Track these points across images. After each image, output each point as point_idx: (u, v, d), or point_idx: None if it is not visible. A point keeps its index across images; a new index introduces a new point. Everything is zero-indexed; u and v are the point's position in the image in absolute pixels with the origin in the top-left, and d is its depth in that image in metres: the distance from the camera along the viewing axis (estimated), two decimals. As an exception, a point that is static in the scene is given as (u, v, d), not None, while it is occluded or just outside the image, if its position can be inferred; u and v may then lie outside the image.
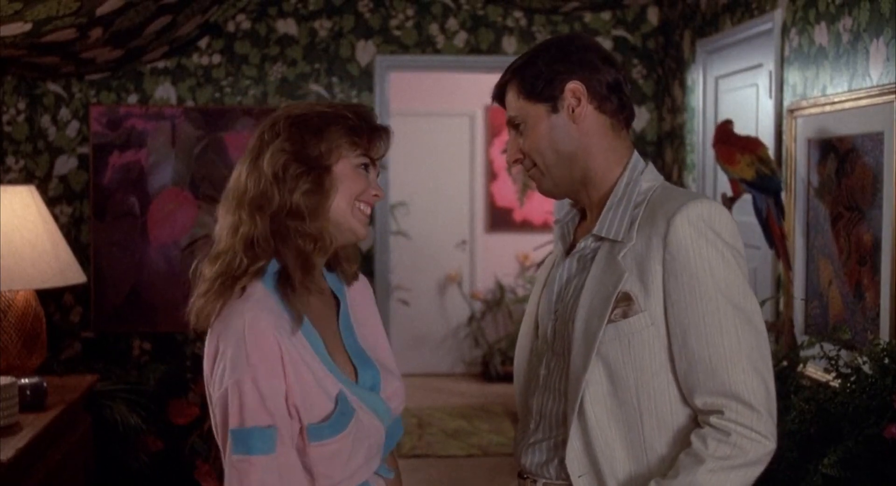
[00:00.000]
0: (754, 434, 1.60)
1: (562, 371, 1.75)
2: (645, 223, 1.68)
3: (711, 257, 1.63)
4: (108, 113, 4.92)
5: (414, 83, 7.43)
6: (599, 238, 1.74)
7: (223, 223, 1.73)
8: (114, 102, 4.94)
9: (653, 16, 5.23)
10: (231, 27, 5.01)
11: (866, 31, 2.98)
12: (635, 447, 1.67)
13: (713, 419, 1.61)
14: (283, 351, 1.63)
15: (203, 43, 5.00)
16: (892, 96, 2.81)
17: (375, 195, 1.76)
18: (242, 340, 1.61)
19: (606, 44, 5.15)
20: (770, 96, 3.73)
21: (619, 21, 5.22)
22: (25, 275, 3.21)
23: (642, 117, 5.21)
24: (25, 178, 4.86)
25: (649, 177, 1.76)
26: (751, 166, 3.36)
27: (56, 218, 4.78)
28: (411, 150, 7.67)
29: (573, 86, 1.73)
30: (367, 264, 5.09)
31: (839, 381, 2.63)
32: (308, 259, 1.70)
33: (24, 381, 3.11)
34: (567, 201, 1.88)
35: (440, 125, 7.79)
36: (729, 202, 3.56)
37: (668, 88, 5.08)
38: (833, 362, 2.68)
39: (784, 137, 3.57)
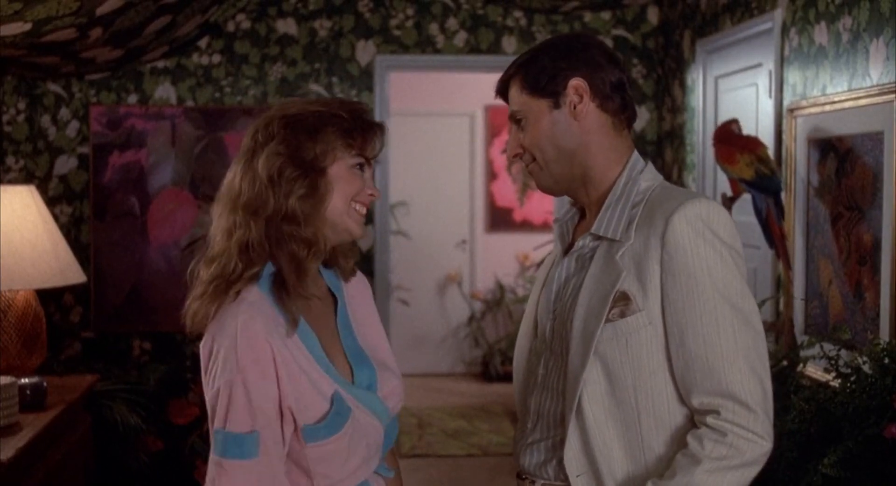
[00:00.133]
0: (751, 435, 1.59)
1: (560, 371, 1.75)
2: (643, 223, 1.68)
3: (709, 257, 1.62)
4: (108, 113, 4.92)
5: (414, 83, 7.43)
6: (598, 237, 1.74)
7: (218, 225, 1.72)
8: (114, 102, 4.94)
9: (653, 16, 5.23)
10: (231, 27, 5.01)
11: (866, 31, 2.98)
12: (633, 446, 1.67)
13: (710, 420, 1.61)
14: (276, 354, 1.63)
15: (203, 43, 5.00)
16: (892, 96, 2.81)
17: (371, 195, 1.76)
18: (234, 342, 1.62)
19: (606, 43, 5.14)
20: (770, 96, 3.73)
21: (619, 21, 5.22)
22: (25, 275, 3.21)
23: (642, 117, 5.21)
24: (25, 178, 4.86)
25: (648, 176, 1.76)
26: (750, 166, 3.36)
27: (56, 218, 4.78)
28: (411, 150, 7.67)
29: (576, 83, 1.74)
30: (367, 264, 5.09)
31: (839, 381, 2.63)
32: (302, 264, 1.69)
33: (24, 381, 3.11)
34: (567, 201, 1.88)
35: (440, 125, 7.79)
36: (729, 202, 3.56)
37: (668, 88, 5.08)
38: (833, 362, 2.68)
39: (784, 136, 3.57)
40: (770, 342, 3.47)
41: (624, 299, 1.65)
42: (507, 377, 7.08)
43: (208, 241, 1.73)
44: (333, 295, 1.83)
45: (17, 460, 2.66)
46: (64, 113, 4.91)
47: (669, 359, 1.65)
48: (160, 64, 4.97)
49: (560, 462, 1.71)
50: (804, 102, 3.38)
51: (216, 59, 5.01)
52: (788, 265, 3.40)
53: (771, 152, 3.56)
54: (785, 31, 3.58)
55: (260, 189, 1.68)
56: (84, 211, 4.93)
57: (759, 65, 3.87)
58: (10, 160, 4.87)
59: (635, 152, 1.79)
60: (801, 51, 3.45)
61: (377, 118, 5.01)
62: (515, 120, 1.79)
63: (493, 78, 1.86)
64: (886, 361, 2.49)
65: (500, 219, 7.85)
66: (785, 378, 2.97)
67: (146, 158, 4.93)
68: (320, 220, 1.71)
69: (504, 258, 7.81)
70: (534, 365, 1.84)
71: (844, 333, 2.97)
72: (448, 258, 7.82)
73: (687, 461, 1.60)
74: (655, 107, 5.24)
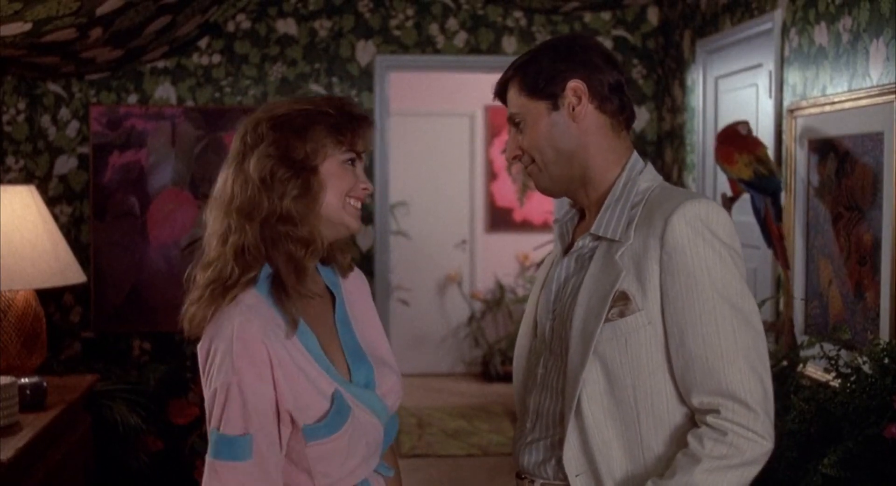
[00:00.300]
0: (751, 434, 1.60)
1: (559, 370, 1.75)
2: (642, 223, 1.68)
3: (708, 257, 1.63)
4: (108, 113, 4.92)
5: (414, 83, 7.43)
6: (597, 237, 1.74)
7: (212, 230, 1.72)
8: (114, 102, 4.94)
9: (653, 16, 5.23)
10: (231, 27, 5.02)
11: (866, 32, 2.98)
12: (632, 446, 1.67)
13: (710, 419, 1.61)
14: (272, 356, 1.63)
15: (203, 43, 5.00)
16: (892, 96, 2.81)
17: (365, 189, 1.76)
18: (230, 345, 1.62)
19: (606, 44, 5.15)
20: (770, 96, 3.73)
21: (619, 21, 5.22)
22: (25, 275, 3.21)
23: (642, 117, 5.21)
24: (25, 178, 4.86)
25: (648, 177, 1.76)
26: (748, 166, 3.36)
27: (56, 218, 4.78)
28: (411, 150, 7.67)
29: (575, 84, 1.74)
30: (367, 264, 5.09)
31: (839, 381, 2.63)
32: (301, 263, 1.69)
33: (24, 381, 3.11)
34: (567, 201, 1.88)
35: (440, 125, 7.79)
36: (729, 202, 3.56)
37: (668, 88, 5.08)
38: (833, 362, 2.68)
39: (784, 137, 3.57)
40: (770, 342, 3.47)
41: (623, 298, 1.65)
42: (507, 377, 7.08)
43: (203, 246, 1.73)
44: (331, 292, 1.83)
45: (17, 460, 2.66)
46: (64, 113, 4.91)
47: (669, 359, 1.65)
48: (160, 64, 4.97)
49: (559, 462, 1.71)
50: (804, 103, 3.38)
51: (216, 59, 5.01)
52: (786, 265, 3.40)
53: (771, 153, 3.56)
54: (785, 31, 3.58)
55: (253, 192, 1.68)
56: (84, 211, 4.93)
57: (759, 65, 3.87)
58: (10, 160, 4.87)
59: (634, 153, 1.79)
60: (801, 51, 3.45)
61: (377, 118, 5.05)
62: (514, 122, 1.79)
63: (493, 78, 1.86)
64: (886, 361, 2.49)
65: (500, 219, 7.85)
66: (785, 378, 2.97)
67: (146, 158, 4.93)
68: (316, 218, 1.71)
69: (504, 258, 7.81)
70: (533, 365, 1.84)
71: (844, 333, 2.97)
72: (448, 258, 7.82)
73: (687, 461, 1.60)
74: (655, 107, 5.24)
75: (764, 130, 3.75)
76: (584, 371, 1.66)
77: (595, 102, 1.75)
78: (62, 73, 4.74)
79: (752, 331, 1.64)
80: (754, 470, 1.62)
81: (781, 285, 3.59)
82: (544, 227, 7.62)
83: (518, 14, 5.17)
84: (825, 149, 3.25)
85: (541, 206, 7.66)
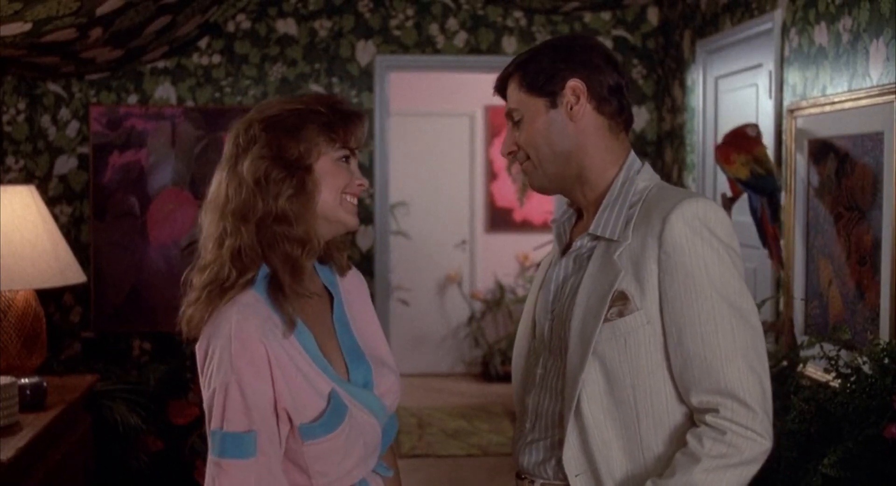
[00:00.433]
0: (750, 433, 1.60)
1: (558, 371, 1.75)
2: (640, 222, 1.68)
3: (707, 256, 1.63)
4: (108, 113, 4.92)
5: (414, 83, 7.43)
6: (595, 237, 1.74)
7: (208, 233, 1.72)
8: (114, 102, 4.94)
9: (653, 16, 5.23)
10: (231, 27, 5.02)
11: (866, 32, 2.98)
12: (632, 445, 1.67)
13: (709, 418, 1.61)
14: (270, 355, 1.63)
15: (203, 43, 5.00)
16: (892, 96, 2.81)
17: (360, 185, 1.76)
18: (228, 344, 1.62)
19: (606, 44, 5.15)
20: (770, 96, 3.72)
21: (619, 21, 5.22)
22: (25, 275, 3.21)
23: (642, 117, 5.21)
24: (25, 178, 4.86)
25: (645, 177, 1.76)
26: (745, 166, 3.36)
27: (56, 218, 4.78)
28: (411, 150, 7.67)
29: (574, 83, 1.74)
30: (367, 264, 5.09)
31: (839, 381, 2.63)
32: (298, 263, 1.69)
33: (24, 381, 3.11)
34: (566, 201, 1.88)
35: (440, 125, 7.79)
36: (729, 202, 3.56)
37: (668, 88, 5.08)
38: (833, 362, 2.68)
39: (784, 137, 3.57)
40: (770, 342, 3.47)
41: (622, 298, 1.65)
42: (506, 377, 7.07)
43: (199, 249, 1.73)
44: (329, 292, 1.83)
45: (17, 460, 2.66)
46: (64, 113, 4.92)
47: (668, 358, 1.65)
48: (160, 64, 4.97)
49: (559, 462, 1.71)
50: (804, 103, 3.38)
51: (216, 59, 5.01)
52: (780, 265, 3.40)
53: (771, 153, 3.56)
54: (785, 31, 3.58)
55: (247, 194, 1.68)
56: (84, 211, 4.93)
57: (759, 65, 3.87)
58: (10, 160, 4.87)
59: (632, 153, 1.80)
60: (801, 51, 3.45)
61: (377, 118, 5.05)
62: (512, 118, 1.80)
63: (493, 78, 1.87)
64: (886, 361, 2.49)
65: (500, 219, 7.85)
66: (785, 378, 2.97)
67: (146, 158, 4.93)
68: (312, 217, 1.71)
69: (504, 258, 7.81)
70: (532, 365, 1.84)
71: (844, 333, 2.97)
72: (448, 258, 7.82)
73: (686, 460, 1.60)
74: (655, 107, 5.24)
75: (764, 131, 3.74)
76: (583, 371, 1.66)
77: (593, 103, 1.75)
78: (62, 73, 4.74)
79: (750, 330, 1.64)
80: (753, 469, 1.62)
81: (781, 285, 3.59)
82: (544, 227, 7.62)
83: (518, 14, 5.17)
84: (825, 149, 3.25)
85: (541, 206, 7.66)
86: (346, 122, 1.73)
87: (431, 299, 7.80)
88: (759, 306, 3.25)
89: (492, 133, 7.81)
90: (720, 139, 3.73)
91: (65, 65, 4.46)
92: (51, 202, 4.83)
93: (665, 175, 5.00)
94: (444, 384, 7.47)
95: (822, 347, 2.84)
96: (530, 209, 7.81)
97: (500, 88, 1.83)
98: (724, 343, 1.61)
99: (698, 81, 4.52)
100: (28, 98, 4.88)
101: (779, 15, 3.62)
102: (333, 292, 1.83)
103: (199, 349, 1.68)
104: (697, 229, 1.63)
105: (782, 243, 3.49)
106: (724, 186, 3.86)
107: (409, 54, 5.13)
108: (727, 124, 4.13)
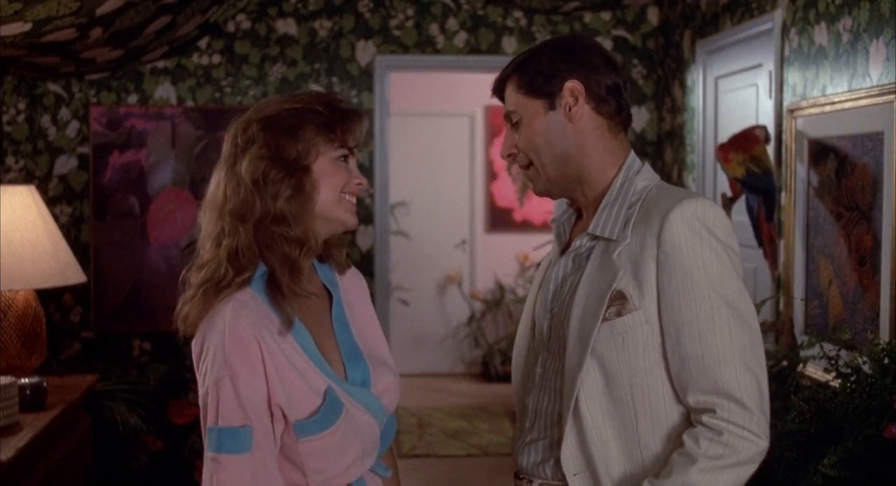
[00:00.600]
0: (747, 433, 1.59)
1: (557, 370, 1.75)
2: (640, 222, 1.68)
3: (705, 255, 1.63)
4: (108, 113, 4.92)
5: (414, 83, 7.43)
6: (594, 237, 1.74)
7: (206, 232, 1.72)
8: (114, 102, 4.94)
9: (653, 16, 5.23)
10: (231, 27, 5.02)
11: (866, 32, 2.98)
12: (630, 445, 1.67)
13: (705, 418, 1.61)
14: (264, 351, 1.63)
15: (203, 43, 5.00)
16: (892, 96, 2.81)
17: (359, 184, 1.75)
18: (223, 340, 1.62)
19: (606, 44, 5.15)
20: (770, 96, 3.72)
21: (619, 21, 5.22)
22: (25, 275, 3.21)
23: (642, 117, 5.22)
24: (25, 178, 4.86)
25: (645, 177, 1.76)
26: (741, 165, 3.37)
27: (56, 218, 4.78)
28: (411, 150, 7.67)
29: (572, 84, 1.74)
30: (367, 264, 5.09)
31: (839, 381, 2.63)
32: (296, 263, 1.69)
33: (24, 381, 3.11)
34: (565, 201, 1.88)
35: (440, 125, 7.79)
36: (729, 203, 3.57)
37: (668, 88, 5.08)
38: (833, 362, 2.68)
39: (784, 137, 3.57)
40: (770, 342, 3.47)
41: (620, 298, 1.65)
42: (506, 377, 7.07)
43: (197, 249, 1.73)
44: (329, 291, 1.83)
45: (17, 460, 2.66)
46: (64, 113, 4.92)
47: (666, 358, 1.65)
48: (160, 64, 4.97)
49: (557, 461, 1.71)
50: (804, 103, 3.38)
51: (216, 59, 5.01)
52: (774, 265, 3.41)
53: (771, 153, 3.56)
54: (785, 31, 3.58)
55: (246, 194, 1.67)
56: (84, 211, 4.93)
57: (759, 65, 3.87)
58: (10, 160, 4.87)
59: (632, 153, 1.80)
60: (801, 51, 3.45)
61: (377, 118, 5.05)
62: (510, 120, 1.80)
63: (493, 78, 1.86)
64: (886, 361, 2.49)
65: (500, 219, 7.85)
66: (785, 378, 2.97)
67: (146, 158, 4.93)
68: (310, 217, 1.70)
69: (504, 258, 7.81)
70: (531, 365, 1.84)
71: (844, 333, 2.97)
72: (448, 258, 7.82)
73: (683, 460, 1.60)
74: (655, 107, 5.24)
75: (764, 130, 3.75)
76: (581, 371, 1.66)
77: (592, 103, 1.75)
78: (62, 73, 4.74)
79: (748, 330, 1.63)
80: (750, 469, 1.62)
81: (781, 285, 3.59)
82: (544, 227, 7.62)
83: (518, 14, 5.17)
84: (825, 149, 3.25)
85: (541, 206, 7.66)
86: (345, 121, 1.73)
87: (431, 299, 7.80)
88: (759, 306, 3.25)
89: (492, 133, 7.81)
90: (724, 140, 3.74)
91: (65, 65, 4.46)
92: (51, 202, 4.83)
93: (665, 175, 5.00)
94: (444, 384, 7.47)
95: (822, 347, 2.84)
96: (530, 209, 7.81)
97: (499, 90, 1.82)
98: (721, 343, 1.61)
99: (698, 81, 4.52)
100: (28, 98, 4.88)
101: (779, 15, 3.62)
102: (333, 292, 1.82)
103: (194, 346, 1.68)
104: (696, 229, 1.63)
105: (782, 243, 3.49)
106: (724, 186, 3.86)
107: (409, 54, 5.13)
108: (727, 124, 4.14)
